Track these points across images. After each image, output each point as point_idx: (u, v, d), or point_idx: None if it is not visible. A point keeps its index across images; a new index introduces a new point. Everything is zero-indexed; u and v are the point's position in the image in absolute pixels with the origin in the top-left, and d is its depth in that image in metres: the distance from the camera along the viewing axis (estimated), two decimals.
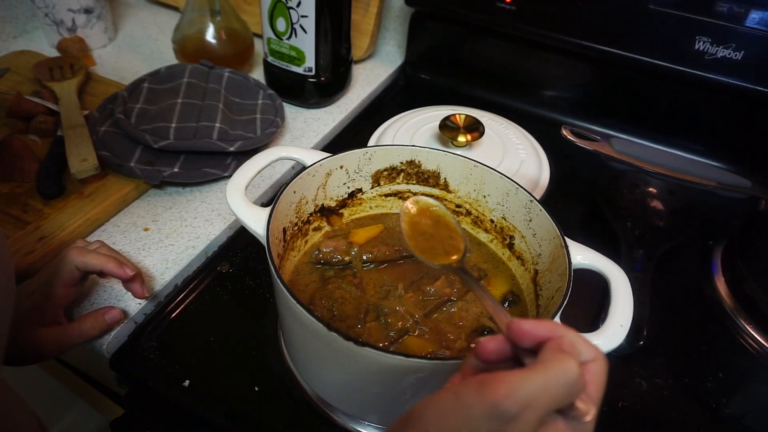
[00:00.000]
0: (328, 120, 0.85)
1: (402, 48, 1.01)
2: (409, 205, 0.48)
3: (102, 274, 0.52)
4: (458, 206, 0.61)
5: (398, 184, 0.61)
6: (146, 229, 0.64)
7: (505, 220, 0.57)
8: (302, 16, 0.75)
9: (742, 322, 0.62)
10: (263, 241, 0.46)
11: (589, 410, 0.28)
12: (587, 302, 0.61)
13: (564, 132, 0.67)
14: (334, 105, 0.88)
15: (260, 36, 0.83)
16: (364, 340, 0.39)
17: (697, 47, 0.71)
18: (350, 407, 0.49)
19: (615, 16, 0.74)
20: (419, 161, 0.59)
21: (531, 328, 0.29)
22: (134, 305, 0.56)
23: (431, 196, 0.61)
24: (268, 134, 0.74)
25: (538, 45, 0.83)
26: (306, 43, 0.78)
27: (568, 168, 0.78)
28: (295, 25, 0.76)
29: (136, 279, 0.53)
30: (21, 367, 0.50)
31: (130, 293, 0.56)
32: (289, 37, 0.78)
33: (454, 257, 0.45)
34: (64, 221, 0.61)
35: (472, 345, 0.49)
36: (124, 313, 0.54)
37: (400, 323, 0.50)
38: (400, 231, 0.47)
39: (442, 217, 0.48)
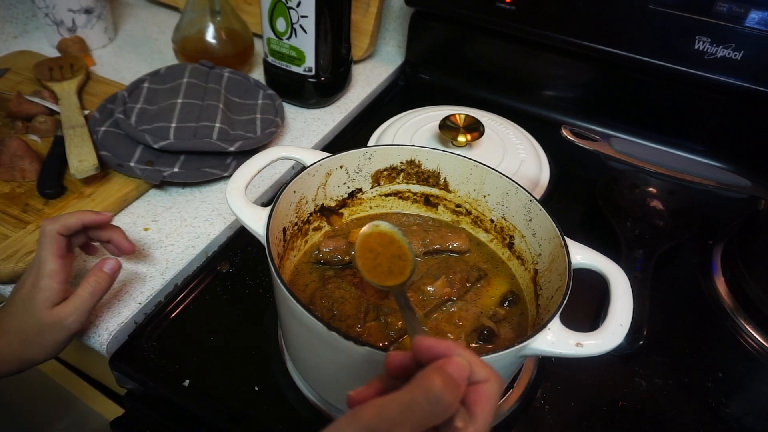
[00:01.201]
0: (328, 120, 0.85)
1: (402, 48, 1.01)
2: (366, 228, 0.49)
3: (85, 247, 0.55)
4: (458, 206, 0.61)
5: (398, 183, 0.61)
6: (146, 229, 0.64)
7: (504, 219, 0.57)
8: (302, 16, 0.75)
9: (742, 322, 0.62)
10: (263, 240, 0.46)
11: (466, 428, 0.29)
12: (587, 302, 0.61)
13: (564, 132, 0.67)
14: (334, 105, 0.88)
15: (260, 36, 0.83)
16: (364, 340, 0.39)
17: (697, 47, 0.71)
18: None
19: (615, 16, 0.74)
20: (419, 161, 0.59)
21: (430, 344, 0.31)
22: (134, 305, 0.56)
23: (431, 195, 0.61)
24: (268, 134, 0.74)
25: (538, 45, 0.83)
26: (306, 43, 0.78)
27: (568, 168, 0.78)
28: (295, 25, 0.77)
29: (117, 232, 0.54)
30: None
31: (127, 293, 0.57)
32: (289, 37, 0.78)
33: (399, 279, 0.46)
34: None
35: (473, 344, 0.49)
36: (120, 263, 0.53)
37: (400, 323, 0.50)
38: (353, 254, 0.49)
39: (397, 240, 0.49)
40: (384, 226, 0.49)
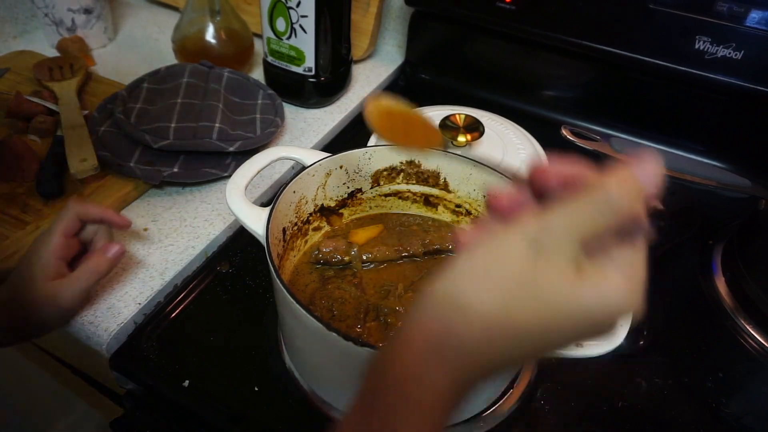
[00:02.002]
0: (328, 120, 0.85)
1: (402, 48, 1.01)
2: (371, 107, 0.45)
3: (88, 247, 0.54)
4: (458, 206, 0.61)
5: (398, 184, 0.61)
6: (146, 230, 0.64)
7: None
8: (302, 16, 0.75)
9: (742, 322, 0.62)
10: (263, 241, 0.46)
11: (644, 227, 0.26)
12: None
13: (564, 132, 0.67)
14: (334, 105, 0.88)
15: (260, 36, 0.83)
16: (364, 340, 0.39)
17: (697, 47, 0.71)
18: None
19: (615, 15, 0.74)
20: (419, 161, 0.59)
21: (558, 163, 0.27)
22: (134, 305, 0.56)
23: (431, 195, 0.61)
24: (268, 134, 0.73)
25: (538, 45, 0.83)
26: (306, 43, 0.78)
27: None
28: (294, 25, 0.76)
29: (108, 211, 0.55)
30: (22, 367, 0.50)
31: (127, 293, 0.57)
32: (289, 37, 0.78)
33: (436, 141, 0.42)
34: None
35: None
36: (123, 248, 0.53)
37: (400, 323, 0.50)
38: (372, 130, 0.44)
39: (406, 111, 0.45)
40: (387, 101, 0.45)
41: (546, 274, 0.25)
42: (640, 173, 0.26)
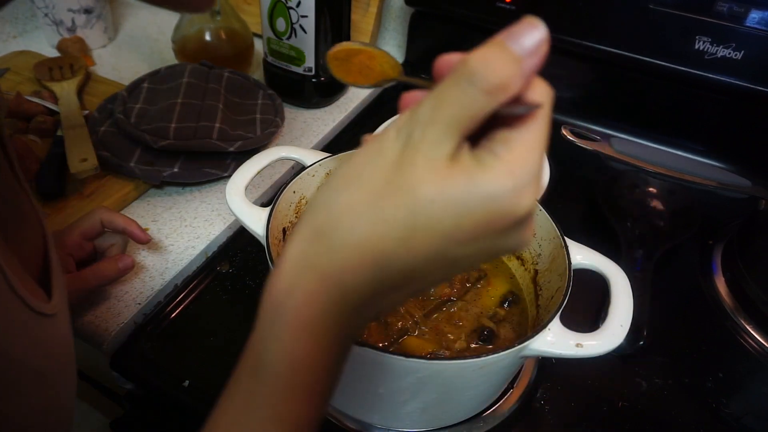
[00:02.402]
0: (328, 120, 0.85)
1: (402, 48, 1.01)
2: (330, 55, 0.44)
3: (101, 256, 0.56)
4: None
5: None
6: (146, 229, 0.64)
7: None
8: (302, 16, 0.75)
9: (742, 322, 0.62)
10: (263, 241, 0.46)
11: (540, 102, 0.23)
12: (587, 302, 0.61)
13: (564, 132, 0.67)
14: (334, 105, 0.88)
15: (260, 36, 0.83)
16: (364, 340, 0.39)
17: (697, 47, 0.71)
18: (350, 407, 0.49)
19: (615, 16, 0.74)
20: None
21: (450, 58, 0.25)
22: (134, 305, 0.56)
23: None
24: (268, 134, 0.73)
25: None
26: (306, 43, 0.78)
27: (568, 168, 0.78)
28: (294, 25, 0.76)
29: (131, 223, 0.56)
30: None
31: (127, 293, 0.57)
32: (289, 37, 0.78)
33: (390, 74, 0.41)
34: (64, 222, 0.61)
35: (473, 345, 0.49)
36: (134, 262, 0.55)
37: (399, 323, 0.50)
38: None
39: (363, 48, 0.44)
40: (349, 43, 0.44)
41: (412, 166, 0.22)
42: (513, 42, 0.23)
